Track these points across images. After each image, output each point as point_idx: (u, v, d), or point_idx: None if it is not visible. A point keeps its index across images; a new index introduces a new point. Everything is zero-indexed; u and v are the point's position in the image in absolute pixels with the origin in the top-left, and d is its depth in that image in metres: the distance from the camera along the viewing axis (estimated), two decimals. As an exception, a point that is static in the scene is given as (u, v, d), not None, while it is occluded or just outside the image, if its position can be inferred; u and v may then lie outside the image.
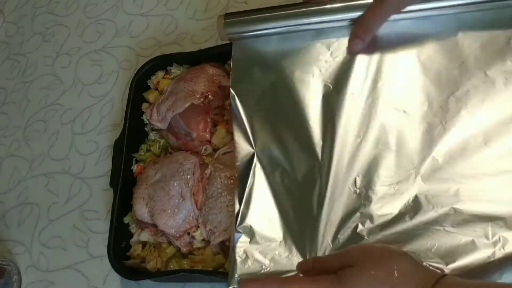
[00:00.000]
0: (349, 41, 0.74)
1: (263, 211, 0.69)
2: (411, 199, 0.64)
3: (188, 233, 0.78)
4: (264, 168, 0.71)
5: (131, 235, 0.82)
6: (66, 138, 1.02)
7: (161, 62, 0.93)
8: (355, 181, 0.67)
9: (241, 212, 0.68)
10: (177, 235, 0.77)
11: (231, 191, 0.75)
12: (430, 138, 0.67)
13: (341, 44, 0.75)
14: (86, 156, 0.98)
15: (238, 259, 0.66)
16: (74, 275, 0.88)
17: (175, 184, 0.79)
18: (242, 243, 0.67)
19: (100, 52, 1.09)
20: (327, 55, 0.75)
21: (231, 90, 0.76)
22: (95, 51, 1.10)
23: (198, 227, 0.77)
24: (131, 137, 0.87)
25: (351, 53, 0.73)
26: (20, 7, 1.23)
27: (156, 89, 0.92)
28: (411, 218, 0.63)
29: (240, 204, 0.69)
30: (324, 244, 0.65)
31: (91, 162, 0.97)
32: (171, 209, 0.77)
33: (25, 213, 0.96)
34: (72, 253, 0.90)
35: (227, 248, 0.74)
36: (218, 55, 0.90)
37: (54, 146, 1.02)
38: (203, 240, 0.77)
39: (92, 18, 1.14)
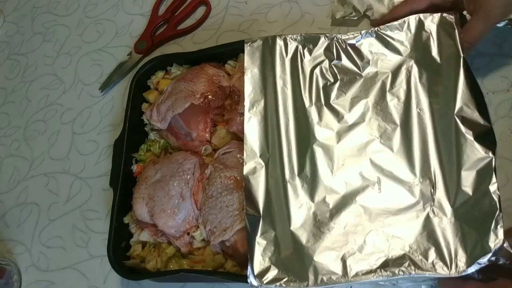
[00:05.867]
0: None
1: (283, 219, 0.69)
2: None
3: (188, 233, 0.77)
4: (275, 175, 0.71)
5: (131, 235, 0.82)
6: (66, 138, 1.02)
7: (161, 62, 0.93)
8: (378, 181, 0.68)
9: (261, 221, 0.68)
10: (177, 235, 0.77)
11: (231, 191, 0.75)
12: None
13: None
14: (86, 156, 0.98)
15: (260, 269, 0.66)
16: (74, 275, 0.88)
17: (175, 184, 0.79)
18: (263, 254, 0.67)
19: (100, 52, 1.09)
20: None
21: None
22: (95, 51, 1.10)
23: (198, 227, 0.77)
24: (131, 137, 0.87)
25: None
26: (20, 7, 1.23)
27: (156, 89, 0.92)
28: None
29: (257, 211, 0.69)
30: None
31: (91, 162, 0.97)
32: (170, 209, 0.77)
33: (25, 213, 0.96)
34: (72, 253, 0.90)
35: (227, 248, 0.74)
36: (218, 55, 0.91)
37: (54, 146, 1.02)
38: (203, 240, 0.77)
39: (92, 18, 1.14)
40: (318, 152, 0.72)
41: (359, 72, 0.77)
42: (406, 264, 0.62)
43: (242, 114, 0.77)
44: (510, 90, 0.77)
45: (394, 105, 0.72)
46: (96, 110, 1.03)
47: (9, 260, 0.91)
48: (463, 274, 0.60)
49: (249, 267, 0.66)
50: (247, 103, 0.76)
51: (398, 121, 0.71)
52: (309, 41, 0.80)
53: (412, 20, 0.76)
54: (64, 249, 0.91)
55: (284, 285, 0.64)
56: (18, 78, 1.13)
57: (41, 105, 1.07)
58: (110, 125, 0.99)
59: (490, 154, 0.65)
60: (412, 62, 0.74)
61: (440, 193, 0.66)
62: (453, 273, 0.60)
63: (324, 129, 0.73)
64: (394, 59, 0.76)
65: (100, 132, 1.00)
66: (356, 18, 0.89)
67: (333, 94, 0.76)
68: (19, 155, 1.03)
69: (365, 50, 0.78)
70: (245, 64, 0.79)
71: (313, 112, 0.75)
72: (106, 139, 0.98)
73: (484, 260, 0.60)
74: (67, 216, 0.93)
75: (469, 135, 0.67)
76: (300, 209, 0.69)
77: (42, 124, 1.05)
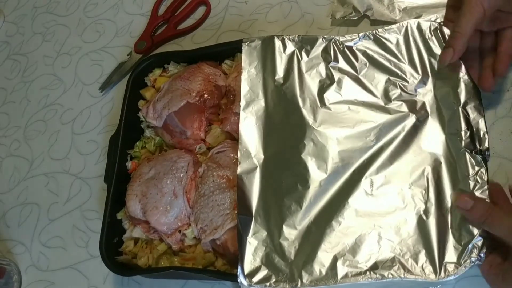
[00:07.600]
0: (441, 53, 0.71)
1: (275, 220, 0.69)
2: None
3: (180, 231, 0.77)
4: (269, 176, 0.71)
5: (124, 231, 0.82)
6: (66, 138, 1.02)
7: (159, 60, 0.93)
8: (371, 184, 0.68)
9: (253, 222, 0.68)
10: (169, 233, 0.77)
11: (223, 190, 0.75)
12: None
13: None
14: (86, 156, 0.98)
15: (251, 268, 0.66)
16: (74, 275, 0.88)
17: (168, 182, 0.79)
18: (253, 254, 0.67)
19: (100, 52, 1.09)
20: None
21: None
22: (95, 51, 1.10)
23: (190, 225, 0.77)
24: (127, 133, 0.88)
25: (442, 62, 0.71)
26: (20, 7, 1.24)
27: (153, 86, 0.92)
28: None
29: (249, 212, 0.69)
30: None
31: (91, 162, 0.97)
32: (163, 206, 0.77)
33: (25, 213, 0.96)
34: (72, 253, 0.90)
35: (217, 247, 0.74)
36: (216, 54, 0.90)
37: (54, 146, 1.02)
38: (194, 238, 0.77)
39: (92, 18, 1.14)
40: (313, 154, 0.71)
41: (356, 74, 0.77)
42: (395, 268, 0.62)
43: (237, 114, 0.77)
44: (510, 90, 0.76)
45: (390, 108, 0.72)
46: (96, 110, 1.03)
47: (9, 260, 0.91)
48: (452, 278, 0.60)
49: (239, 267, 0.66)
50: (242, 103, 0.76)
51: (393, 125, 0.71)
52: (307, 42, 0.80)
53: (410, 24, 0.76)
54: (64, 249, 0.91)
55: (273, 285, 0.64)
56: (18, 78, 1.13)
57: (41, 105, 1.07)
58: (110, 125, 0.99)
59: (482, 163, 0.65)
60: (409, 66, 0.74)
61: (431, 198, 0.66)
62: (442, 277, 0.60)
63: (320, 131, 0.73)
64: (392, 62, 0.76)
65: (100, 132, 1.00)
66: (356, 18, 0.88)
67: (329, 96, 0.75)
68: (19, 155, 1.03)
69: (362, 52, 0.78)
70: (242, 64, 0.79)
71: (308, 114, 0.74)
72: (106, 139, 0.97)
73: (472, 259, 0.60)
74: (67, 216, 0.93)
75: (461, 140, 0.67)
76: (293, 210, 0.68)
77: (42, 124, 1.05)
